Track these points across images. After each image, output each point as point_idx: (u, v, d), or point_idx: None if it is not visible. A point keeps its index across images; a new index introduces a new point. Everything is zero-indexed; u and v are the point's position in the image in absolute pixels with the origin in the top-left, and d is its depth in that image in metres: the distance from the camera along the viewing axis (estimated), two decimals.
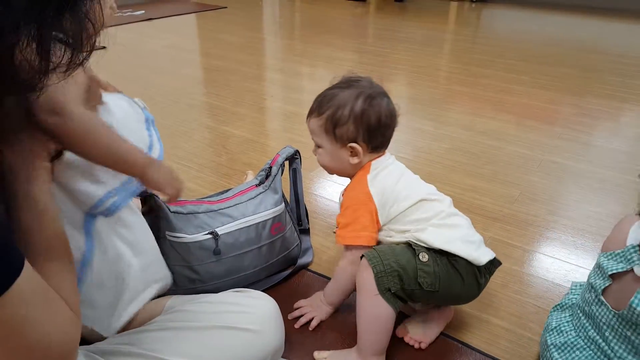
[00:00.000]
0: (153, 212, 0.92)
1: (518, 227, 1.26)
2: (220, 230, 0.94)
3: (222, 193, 1.13)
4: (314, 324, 0.93)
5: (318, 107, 0.90)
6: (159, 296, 0.87)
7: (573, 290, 0.92)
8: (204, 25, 3.90)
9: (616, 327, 0.72)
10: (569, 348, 0.78)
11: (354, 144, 0.87)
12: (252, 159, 1.61)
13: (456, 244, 0.82)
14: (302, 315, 0.95)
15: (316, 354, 0.87)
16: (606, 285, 0.73)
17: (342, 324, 0.95)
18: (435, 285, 0.80)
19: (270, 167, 1.07)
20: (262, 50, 3.21)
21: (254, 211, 0.99)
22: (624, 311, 0.69)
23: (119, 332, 0.78)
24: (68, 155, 0.61)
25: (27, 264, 0.44)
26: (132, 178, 0.70)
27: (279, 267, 1.06)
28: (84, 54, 0.46)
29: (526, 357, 0.88)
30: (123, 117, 0.71)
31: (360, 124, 0.86)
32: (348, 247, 0.89)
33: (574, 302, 0.86)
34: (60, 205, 0.60)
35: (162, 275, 0.87)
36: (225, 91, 2.28)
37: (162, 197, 0.78)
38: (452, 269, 0.82)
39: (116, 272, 0.75)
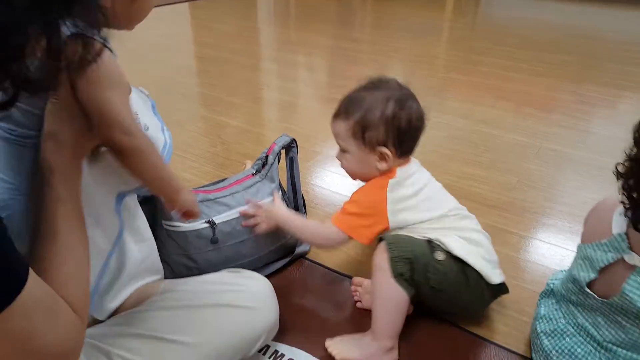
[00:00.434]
0: (149, 201, 0.91)
1: (515, 214, 1.26)
2: (217, 219, 0.94)
3: (218, 182, 1.12)
4: (258, 229, 0.96)
5: (345, 109, 0.87)
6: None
7: (552, 277, 0.92)
8: (197, 14, 3.86)
9: (607, 313, 0.72)
10: (558, 335, 0.78)
11: (383, 149, 0.85)
12: (248, 149, 1.59)
13: (476, 257, 0.83)
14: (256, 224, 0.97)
15: (328, 340, 0.87)
16: (592, 278, 0.72)
17: (350, 317, 0.95)
18: (442, 284, 0.81)
19: (267, 156, 1.06)
20: (256, 39, 3.18)
21: (250, 200, 0.99)
22: (615, 299, 0.69)
23: (112, 314, 0.79)
24: None
25: (31, 273, 0.43)
26: (164, 153, 0.72)
27: (277, 256, 1.06)
28: (97, 47, 0.46)
29: (522, 340, 0.89)
30: (138, 103, 0.71)
31: (390, 128, 0.84)
32: (337, 227, 0.87)
33: (554, 286, 0.86)
34: (96, 189, 0.63)
35: (157, 268, 0.87)
36: (219, 81, 2.26)
37: (180, 217, 0.82)
38: (463, 276, 0.83)
39: (119, 254, 0.76)
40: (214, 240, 0.94)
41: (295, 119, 1.83)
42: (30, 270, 0.43)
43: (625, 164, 0.65)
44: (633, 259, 0.67)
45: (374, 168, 0.87)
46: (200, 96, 2.11)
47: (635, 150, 0.63)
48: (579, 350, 0.75)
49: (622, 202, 0.66)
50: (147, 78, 2.29)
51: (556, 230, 1.20)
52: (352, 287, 0.98)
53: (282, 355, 0.85)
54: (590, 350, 0.74)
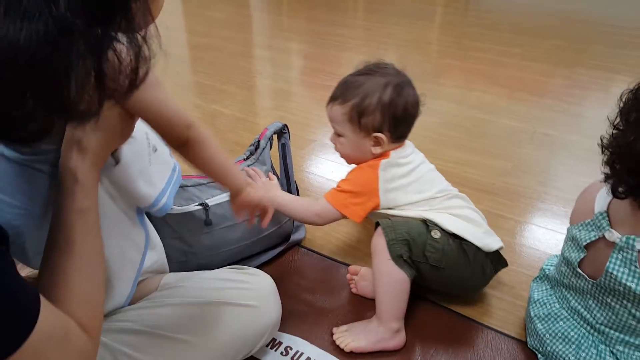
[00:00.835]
0: None
1: (510, 199, 1.27)
2: (210, 202, 0.94)
3: None
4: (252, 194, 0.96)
5: (342, 94, 0.87)
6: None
7: (547, 262, 0.93)
8: (189, 1, 3.80)
9: (597, 295, 0.73)
10: (552, 319, 0.79)
11: (378, 134, 0.85)
12: (243, 138, 1.58)
13: (469, 231, 0.84)
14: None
15: (335, 329, 0.87)
16: (581, 257, 0.74)
17: (348, 304, 0.95)
18: (441, 262, 0.82)
19: (259, 141, 1.06)
20: (249, 26, 3.14)
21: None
22: (601, 279, 0.70)
23: (112, 310, 0.78)
24: (124, 158, 0.61)
25: (43, 304, 0.41)
26: (175, 176, 0.72)
27: (272, 242, 1.06)
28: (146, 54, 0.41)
29: (519, 324, 0.90)
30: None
31: (387, 114, 0.85)
32: (329, 203, 0.88)
33: (549, 272, 0.87)
34: (119, 203, 0.62)
35: (163, 269, 0.86)
36: (212, 69, 2.24)
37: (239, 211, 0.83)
38: (461, 251, 0.84)
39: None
40: (207, 223, 0.94)
41: (289, 107, 1.82)
42: (42, 300, 0.41)
43: (610, 134, 0.65)
44: (613, 235, 0.68)
45: (368, 152, 0.88)
46: (194, 85, 2.09)
47: (619, 120, 0.64)
48: (572, 333, 0.76)
49: (605, 174, 0.66)
50: None
51: (551, 214, 1.21)
52: (348, 276, 0.99)
53: (280, 343, 0.85)
54: (584, 334, 0.75)
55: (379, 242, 0.82)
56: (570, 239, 0.77)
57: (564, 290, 0.80)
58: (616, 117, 0.64)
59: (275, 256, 1.05)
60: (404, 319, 0.85)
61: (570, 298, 0.78)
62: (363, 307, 0.93)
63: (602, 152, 0.66)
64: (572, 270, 0.76)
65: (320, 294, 0.97)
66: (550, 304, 0.81)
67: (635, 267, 0.66)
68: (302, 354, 0.84)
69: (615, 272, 0.68)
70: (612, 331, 0.72)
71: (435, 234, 0.83)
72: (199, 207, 0.93)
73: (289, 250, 1.08)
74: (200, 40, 2.72)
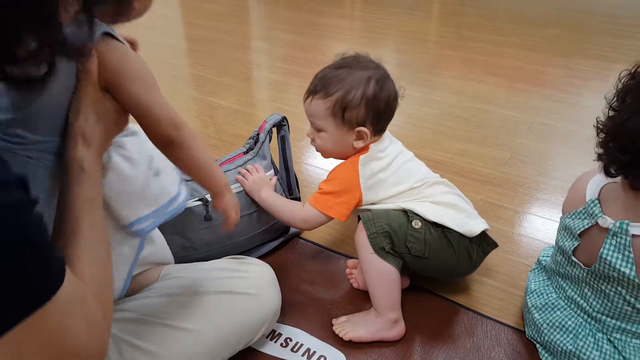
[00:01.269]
0: None
1: (509, 189, 1.27)
2: (209, 197, 0.93)
3: None
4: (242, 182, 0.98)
5: (323, 88, 0.85)
6: None
7: (543, 252, 0.93)
8: None
9: (592, 283, 0.73)
10: (549, 309, 0.80)
11: (362, 128, 0.84)
12: (241, 130, 1.58)
13: (449, 217, 0.84)
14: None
15: (334, 320, 0.87)
16: (575, 245, 0.74)
17: (347, 295, 0.95)
18: (424, 252, 0.82)
19: (258, 135, 1.06)
20: (246, 18, 3.12)
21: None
22: (595, 265, 0.70)
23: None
24: (111, 174, 0.61)
25: (67, 270, 0.42)
26: (170, 207, 0.71)
27: (271, 235, 1.06)
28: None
29: (518, 314, 0.90)
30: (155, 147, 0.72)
31: (371, 108, 0.84)
32: (313, 207, 0.88)
33: (545, 262, 0.88)
34: (113, 201, 0.62)
35: (167, 260, 0.87)
36: (210, 61, 2.22)
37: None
38: (444, 239, 0.83)
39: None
40: (207, 218, 0.94)
41: (287, 98, 1.81)
42: (66, 266, 0.42)
43: (606, 114, 0.66)
44: (606, 221, 0.68)
45: (350, 146, 0.87)
46: (191, 77, 2.08)
47: (614, 100, 0.65)
48: (569, 322, 0.76)
49: (598, 154, 0.67)
50: None
51: (550, 204, 1.21)
52: (347, 270, 0.99)
53: (279, 334, 0.86)
54: (581, 322, 0.76)
55: (361, 236, 0.82)
56: (564, 228, 0.77)
57: (560, 279, 0.80)
58: (613, 98, 0.65)
59: (274, 248, 1.05)
60: (403, 310, 0.85)
61: (567, 287, 0.78)
62: (362, 298, 0.93)
63: (597, 134, 0.67)
64: (567, 259, 0.76)
65: (319, 286, 0.97)
66: (547, 294, 0.82)
67: (629, 251, 0.66)
68: (301, 345, 0.84)
69: (609, 258, 0.68)
70: (608, 319, 0.73)
71: (416, 224, 0.83)
72: (199, 202, 0.93)
73: (288, 242, 1.08)
74: (197, 33, 2.70)
